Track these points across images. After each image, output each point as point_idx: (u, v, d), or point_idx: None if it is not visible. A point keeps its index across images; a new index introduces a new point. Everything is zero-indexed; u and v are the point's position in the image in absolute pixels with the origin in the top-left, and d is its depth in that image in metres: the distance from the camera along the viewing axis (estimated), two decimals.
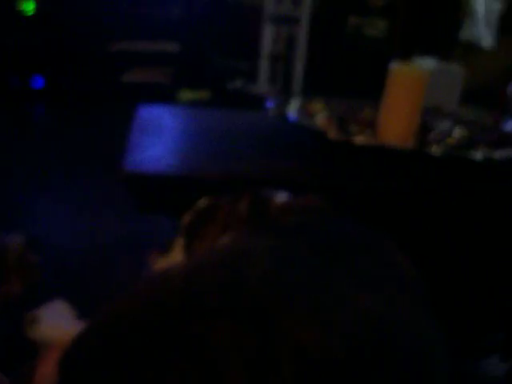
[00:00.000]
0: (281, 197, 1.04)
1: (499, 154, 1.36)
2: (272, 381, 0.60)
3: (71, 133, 3.53)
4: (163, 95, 4.15)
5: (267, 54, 4.36)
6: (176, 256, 1.08)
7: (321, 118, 1.53)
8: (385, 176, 1.32)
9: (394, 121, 1.48)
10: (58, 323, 1.59)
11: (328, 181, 1.27)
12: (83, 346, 0.75)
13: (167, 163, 1.22)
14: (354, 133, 1.49)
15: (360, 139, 1.42)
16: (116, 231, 2.21)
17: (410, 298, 0.80)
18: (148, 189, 1.18)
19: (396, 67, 1.47)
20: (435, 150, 1.41)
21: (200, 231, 1.04)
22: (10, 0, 4.12)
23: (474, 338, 1.57)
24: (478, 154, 1.35)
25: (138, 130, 1.43)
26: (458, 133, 1.56)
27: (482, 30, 3.90)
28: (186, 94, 4.01)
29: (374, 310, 0.71)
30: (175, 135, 1.43)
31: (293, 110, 1.54)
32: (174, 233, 1.12)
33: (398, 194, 1.30)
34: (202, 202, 1.08)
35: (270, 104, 1.55)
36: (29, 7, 4.12)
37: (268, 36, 4.34)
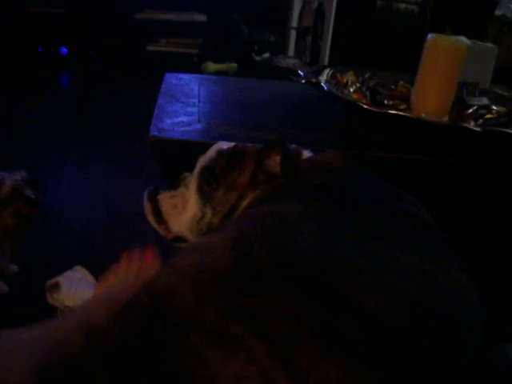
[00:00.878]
0: (306, 153, 1.01)
1: None
2: (344, 349, 0.56)
3: (96, 100, 3.50)
4: (189, 66, 4.10)
5: (296, 27, 4.28)
6: (189, 196, 1.02)
7: (353, 88, 1.48)
8: (420, 149, 1.27)
9: (430, 93, 1.42)
10: (78, 290, 1.59)
11: (361, 152, 1.21)
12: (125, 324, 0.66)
13: (194, 130, 1.18)
14: (387, 105, 1.44)
15: (393, 111, 1.37)
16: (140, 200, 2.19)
17: (450, 260, 0.77)
18: (174, 156, 1.15)
19: (433, 37, 1.41)
20: (473, 125, 1.35)
21: (226, 177, 0.98)
22: None
23: (499, 322, 1.53)
24: None
25: (164, 96, 1.39)
26: (496, 109, 1.49)
27: None
28: (213, 66, 3.95)
29: (429, 272, 0.70)
30: (202, 103, 1.38)
31: (324, 79, 1.49)
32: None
33: (433, 168, 1.25)
34: (226, 145, 1.03)
35: (301, 72, 1.50)
36: None
37: (297, 8, 4.25)
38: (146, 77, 3.90)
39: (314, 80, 1.44)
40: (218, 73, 3.91)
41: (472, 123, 1.37)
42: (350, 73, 1.55)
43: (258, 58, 4.13)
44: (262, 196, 0.93)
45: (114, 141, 2.84)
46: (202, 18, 4.13)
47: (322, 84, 1.44)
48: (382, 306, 0.61)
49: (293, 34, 4.32)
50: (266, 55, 4.14)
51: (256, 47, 4.16)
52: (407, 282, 0.67)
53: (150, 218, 1.06)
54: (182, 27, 4.19)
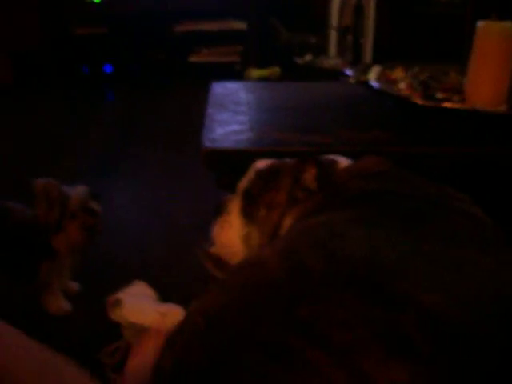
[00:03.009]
0: (343, 161, 0.99)
1: None
2: (410, 351, 0.55)
3: (143, 114, 3.55)
4: (232, 74, 4.12)
5: (335, 26, 4.24)
6: (233, 219, 1.02)
7: (404, 84, 1.45)
8: (477, 142, 1.23)
9: (484, 83, 1.38)
10: (141, 305, 1.60)
11: (417, 148, 1.18)
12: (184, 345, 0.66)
13: (247, 138, 1.17)
14: (440, 99, 1.40)
15: (448, 104, 1.34)
16: (193, 210, 2.20)
17: (508, 254, 0.75)
18: (228, 165, 1.14)
19: (484, 24, 1.37)
20: None
21: (264, 197, 0.98)
22: None
23: None
24: None
25: (214, 106, 1.39)
26: None
27: None
28: (255, 72, 3.95)
29: (489, 267, 0.68)
30: (252, 110, 1.38)
31: (374, 77, 1.47)
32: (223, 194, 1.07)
33: (491, 161, 1.21)
34: (263, 164, 1.03)
35: (350, 72, 1.48)
36: None
37: (335, 7, 4.22)
38: (189, 88, 3.95)
39: (363, 79, 1.43)
40: (261, 79, 3.91)
41: None
42: (399, 69, 1.52)
43: (299, 61, 4.11)
44: (305, 211, 0.92)
45: (164, 152, 2.87)
46: (241, 25, 4.14)
47: (372, 82, 1.42)
48: (443, 303, 0.60)
49: (333, 34, 4.28)
50: (308, 57, 4.11)
51: (297, 50, 4.15)
52: (466, 277, 0.65)
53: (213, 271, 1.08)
54: (221, 36, 4.22)
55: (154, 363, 0.67)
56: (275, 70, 3.99)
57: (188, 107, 3.53)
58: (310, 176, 0.94)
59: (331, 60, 4.16)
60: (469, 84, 1.41)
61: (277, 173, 1.00)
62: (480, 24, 1.37)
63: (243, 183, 1.03)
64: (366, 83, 1.42)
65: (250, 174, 1.03)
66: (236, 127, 1.23)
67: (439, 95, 1.42)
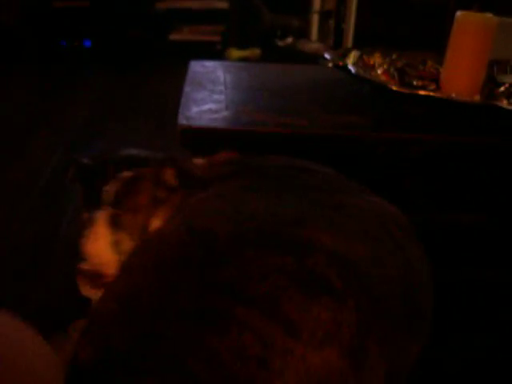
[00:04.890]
0: (199, 160, 1.02)
1: None
2: (326, 288, 0.59)
3: (120, 90, 3.51)
4: (212, 53, 4.09)
5: (318, 10, 4.24)
6: (99, 229, 1.02)
7: (381, 70, 1.46)
8: (452, 130, 1.25)
9: (461, 72, 1.39)
10: None
11: (392, 134, 1.20)
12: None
13: (223, 117, 1.17)
14: (416, 86, 1.42)
15: (424, 92, 1.35)
16: None
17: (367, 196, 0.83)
18: (204, 144, 1.14)
19: (463, 15, 1.38)
20: (506, 103, 1.32)
21: (127, 202, 1.00)
22: None
23: None
24: None
25: (191, 84, 1.39)
26: None
27: None
28: (236, 52, 3.93)
29: (364, 209, 0.75)
30: (229, 89, 1.38)
31: (351, 61, 1.47)
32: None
33: (466, 149, 1.23)
34: (126, 173, 1.04)
35: (328, 56, 1.48)
36: None
37: None
38: (169, 66, 3.91)
39: (340, 63, 1.43)
40: (241, 59, 3.89)
41: (505, 102, 1.35)
42: (377, 54, 1.53)
43: (280, 44, 4.10)
44: (173, 207, 0.94)
45: (142, 130, 2.85)
46: (223, 4, 4.11)
47: (349, 67, 1.42)
48: (342, 242, 0.65)
49: (315, 18, 4.27)
50: (289, 40, 4.10)
51: (279, 32, 4.13)
52: (350, 217, 0.71)
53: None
54: (203, 14, 4.18)
55: (70, 358, 0.65)
56: (255, 52, 3.97)
57: (167, 85, 3.50)
58: (169, 175, 0.96)
59: (312, 44, 4.16)
60: (445, 73, 1.42)
61: (139, 178, 1.01)
62: (458, 14, 1.38)
63: (107, 191, 1.04)
64: (343, 67, 1.42)
65: (114, 183, 1.05)
66: (212, 106, 1.23)
67: (415, 83, 1.43)
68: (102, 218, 1.03)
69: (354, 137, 1.13)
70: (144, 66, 4.01)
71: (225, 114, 1.20)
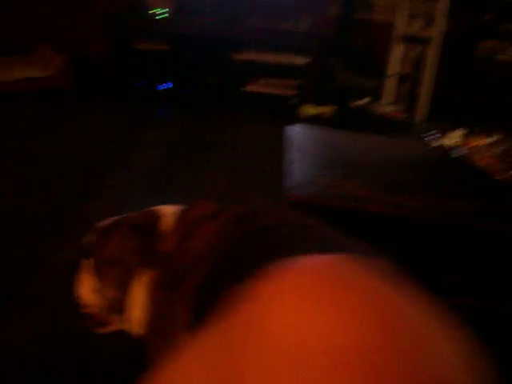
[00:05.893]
0: (168, 214, 1.02)
1: None
2: None
3: (196, 134, 3.57)
4: (286, 107, 4.14)
5: (394, 73, 4.25)
6: (84, 276, 1.08)
7: (485, 155, 1.43)
8: None
9: None
10: None
11: (497, 225, 1.17)
12: None
13: (331, 193, 1.17)
14: None
15: None
16: None
17: None
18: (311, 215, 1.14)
19: None
20: None
21: (96, 253, 1.03)
22: (142, 2, 4.25)
23: None
24: None
25: (292, 151, 1.39)
26: None
27: None
28: (311, 109, 3.96)
29: None
30: (331, 160, 1.38)
31: (453, 143, 1.46)
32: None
33: None
34: (104, 223, 1.08)
35: (429, 136, 1.47)
36: (162, 11, 4.24)
37: (397, 55, 4.23)
38: (244, 115, 3.98)
39: (443, 145, 1.42)
40: (315, 116, 3.92)
41: None
42: (481, 136, 1.51)
43: (353, 104, 4.12)
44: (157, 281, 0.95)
45: (216, 179, 2.86)
46: (300, 60, 4.16)
47: (452, 149, 1.41)
48: None
49: (391, 81, 4.29)
50: (364, 101, 4.12)
51: (353, 92, 4.16)
52: None
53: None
54: (280, 68, 4.24)
55: None
56: (328, 110, 4.00)
57: (240, 136, 3.55)
58: (131, 248, 0.99)
59: (385, 106, 4.16)
60: None
61: (108, 229, 1.04)
62: None
63: (85, 240, 1.08)
64: (445, 149, 1.40)
65: (90, 234, 1.08)
66: (318, 179, 1.22)
67: None
68: (85, 266, 1.08)
69: (464, 223, 1.11)
70: (219, 113, 4.08)
71: (333, 190, 1.19)
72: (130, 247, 1.00)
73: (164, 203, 2.12)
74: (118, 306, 1.02)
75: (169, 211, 1.04)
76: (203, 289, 0.83)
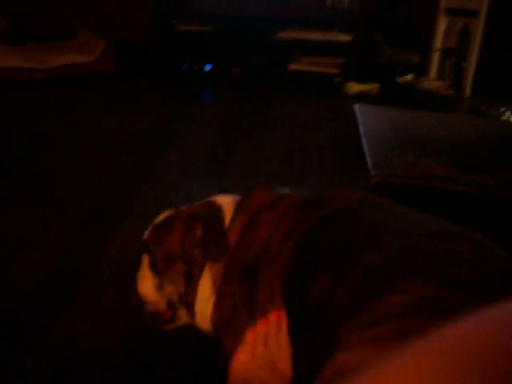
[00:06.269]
0: (228, 205, 1.03)
1: None
2: None
3: (243, 115, 3.57)
4: (330, 85, 4.13)
5: (439, 48, 4.20)
6: (144, 272, 1.08)
7: None
8: None
9: None
10: None
11: None
12: None
13: (413, 172, 1.19)
14: None
15: None
16: None
17: None
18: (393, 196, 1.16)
19: None
20: None
21: (158, 251, 1.03)
22: None
23: None
24: None
25: (367, 131, 1.42)
26: None
27: None
28: (355, 86, 3.96)
29: None
30: (406, 140, 1.40)
31: None
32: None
33: None
34: (160, 218, 1.08)
35: (501, 112, 1.48)
36: None
37: (441, 29, 4.18)
38: (288, 95, 3.98)
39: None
40: (360, 94, 3.91)
41: None
42: None
43: (399, 80, 4.09)
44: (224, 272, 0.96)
45: (268, 160, 2.87)
46: (345, 37, 4.14)
47: None
48: None
49: (435, 56, 4.24)
50: (409, 77, 4.09)
51: (399, 68, 4.13)
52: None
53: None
54: (324, 46, 4.22)
55: None
56: (374, 86, 3.98)
57: (285, 114, 3.56)
58: (194, 241, 1.00)
59: (431, 82, 4.12)
60: None
61: (168, 225, 1.04)
62: None
63: (144, 237, 1.08)
64: None
65: (148, 230, 1.09)
66: (398, 160, 1.25)
67: None
68: (145, 261, 1.09)
69: None
70: (263, 93, 4.08)
71: (410, 168, 1.22)
72: (193, 240, 1.00)
73: (222, 184, 2.14)
74: (185, 301, 1.02)
75: (227, 201, 1.04)
76: (293, 278, 0.81)
